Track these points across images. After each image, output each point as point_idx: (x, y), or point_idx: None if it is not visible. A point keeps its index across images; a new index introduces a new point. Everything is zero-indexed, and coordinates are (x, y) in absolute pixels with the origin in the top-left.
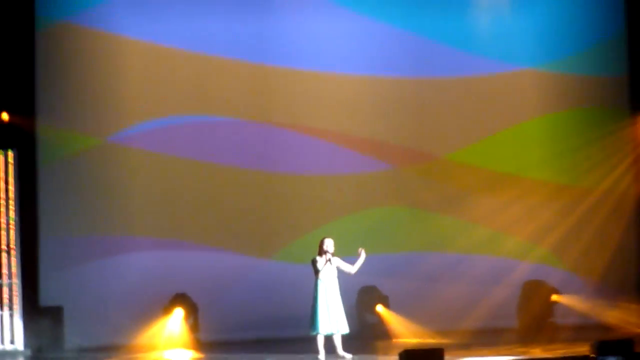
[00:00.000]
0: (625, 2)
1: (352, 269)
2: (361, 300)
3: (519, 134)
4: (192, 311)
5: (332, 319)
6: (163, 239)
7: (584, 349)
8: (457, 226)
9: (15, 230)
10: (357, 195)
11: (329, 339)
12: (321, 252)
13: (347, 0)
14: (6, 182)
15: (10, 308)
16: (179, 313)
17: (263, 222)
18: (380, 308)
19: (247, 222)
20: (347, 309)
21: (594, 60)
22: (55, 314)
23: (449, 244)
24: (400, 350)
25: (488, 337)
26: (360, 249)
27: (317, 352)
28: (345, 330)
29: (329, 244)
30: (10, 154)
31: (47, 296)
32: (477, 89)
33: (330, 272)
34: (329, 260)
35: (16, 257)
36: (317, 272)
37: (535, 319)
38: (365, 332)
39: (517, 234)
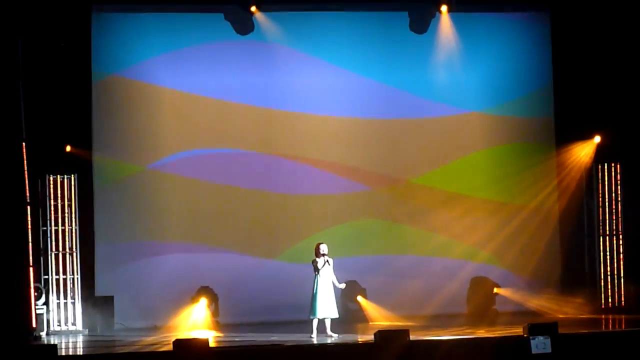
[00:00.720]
0: (551, 57)
1: (335, 281)
2: (344, 292)
3: (468, 163)
4: (214, 300)
5: (326, 306)
6: (191, 244)
7: (518, 330)
8: (419, 234)
9: (76, 237)
10: (342, 210)
11: (321, 322)
12: (318, 254)
13: (333, 58)
14: (70, 200)
15: (72, 297)
16: (203, 302)
17: (269, 231)
18: (359, 298)
19: (257, 231)
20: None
21: (527, 105)
22: (107, 302)
23: (412, 249)
24: (375, 331)
25: (443, 321)
26: (343, 284)
27: (311, 332)
28: (335, 315)
29: (324, 248)
30: (73, 177)
31: (101, 288)
32: (435, 127)
33: (327, 270)
34: (327, 261)
35: (76, 257)
36: (317, 270)
37: (480, 306)
38: (347, 317)
39: (466, 240)
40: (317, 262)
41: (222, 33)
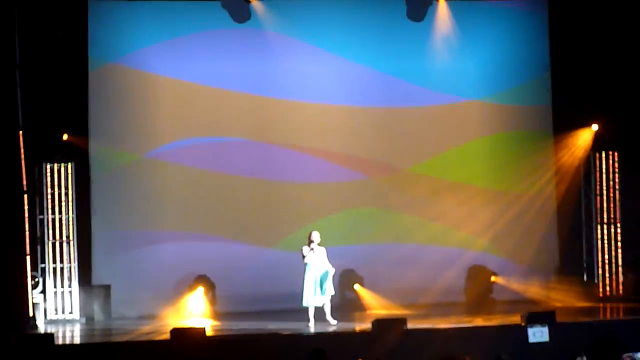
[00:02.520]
0: (549, 45)
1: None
2: (342, 280)
3: (466, 152)
4: (211, 289)
5: (317, 294)
6: (188, 232)
7: (516, 319)
8: (417, 223)
9: (73, 225)
10: (340, 199)
11: (319, 309)
12: (309, 242)
13: (330, 46)
14: (66, 188)
15: (70, 286)
16: (200, 290)
17: (266, 219)
18: (357, 287)
19: (254, 220)
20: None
21: (525, 93)
22: (104, 290)
23: (410, 237)
24: (372, 319)
25: (441, 309)
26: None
27: (308, 320)
28: (320, 303)
29: (315, 236)
30: (70, 166)
31: (98, 276)
32: (432, 116)
33: (317, 257)
34: (312, 249)
35: (73, 246)
36: (304, 257)
37: (479, 295)
38: (345, 306)
39: (464, 229)
40: (303, 251)
41: (219, 21)
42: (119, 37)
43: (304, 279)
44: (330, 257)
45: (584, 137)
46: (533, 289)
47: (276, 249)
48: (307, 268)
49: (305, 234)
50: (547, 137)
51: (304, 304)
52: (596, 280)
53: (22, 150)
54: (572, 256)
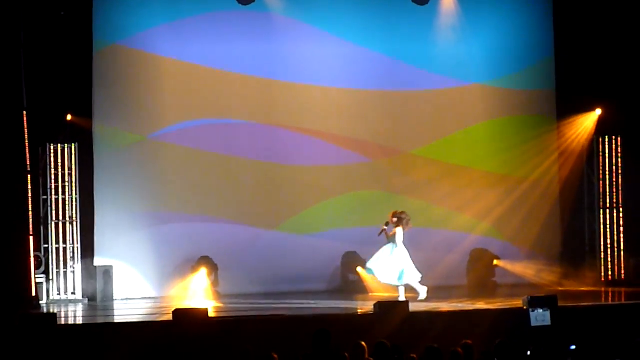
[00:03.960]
0: (553, 29)
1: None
2: (345, 263)
3: (469, 135)
4: (213, 270)
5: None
6: (191, 214)
7: (518, 303)
8: (420, 206)
9: (76, 206)
10: (343, 182)
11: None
12: (403, 223)
13: (335, 29)
14: (70, 169)
15: (72, 267)
16: (202, 271)
17: (269, 201)
18: (360, 269)
19: (257, 201)
20: (334, 270)
21: (529, 77)
22: (106, 271)
23: (413, 220)
24: (375, 302)
25: (444, 292)
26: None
27: (418, 295)
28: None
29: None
30: (73, 146)
31: (101, 257)
32: (436, 99)
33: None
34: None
35: (76, 227)
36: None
37: (481, 278)
38: (348, 288)
39: (466, 212)
40: (396, 232)
41: (223, 3)
42: (123, 17)
43: (402, 258)
44: (334, 240)
45: (588, 121)
46: (535, 273)
47: (280, 231)
48: (403, 247)
49: (308, 216)
50: (551, 121)
51: (408, 281)
52: (598, 265)
53: (25, 131)
54: (575, 240)
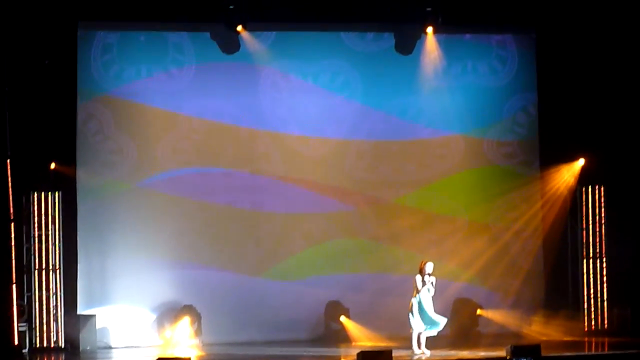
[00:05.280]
0: (536, 79)
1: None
2: (327, 311)
3: (452, 184)
4: (197, 319)
5: (426, 321)
6: (176, 261)
7: (501, 352)
8: (403, 254)
9: (60, 254)
10: (326, 229)
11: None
12: (422, 272)
13: (318, 79)
14: (53, 217)
15: (55, 315)
16: (186, 320)
17: (253, 249)
18: (342, 318)
19: (241, 249)
20: (317, 318)
21: (511, 126)
22: (89, 320)
23: (396, 268)
24: (358, 351)
25: (427, 341)
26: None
27: (418, 346)
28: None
29: (429, 267)
30: (57, 194)
31: (83, 305)
32: (419, 149)
33: (428, 287)
34: (432, 282)
35: (59, 275)
36: (417, 288)
37: (464, 327)
38: (330, 338)
39: (450, 261)
40: (417, 281)
41: (208, 53)
42: (108, 67)
43: (415, 306)
44: (317, 287)
45: (571, 171)
46: (518, 322)
47: (262, 278)
48: (417, 296)
49: (293, 264)
50: (534, 171)
51: (415, 330)
52: (582, 314)
53: (9, 179)
54: (558, 289)
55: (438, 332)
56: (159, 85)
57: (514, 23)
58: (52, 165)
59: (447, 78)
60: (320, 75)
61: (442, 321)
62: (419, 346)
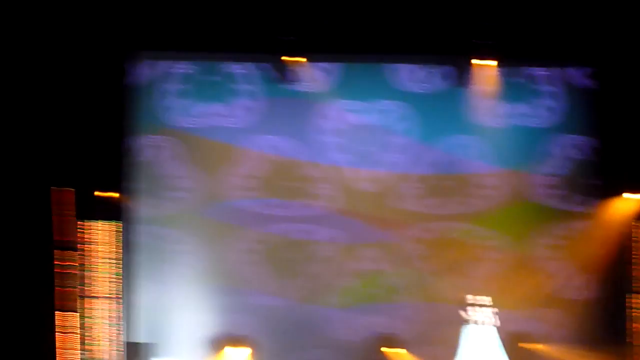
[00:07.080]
0: (589, 118)
1: None
2: (379, 340)
3: (501, 217)
4: (254, 347)
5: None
6: (234, 288)
7: None
8: (453, 285)
9: (120, 283)
10: (379, 259)
11: None
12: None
13: (374, 115)
14: (113, 246)
15: (115, 344)
16: (245, 350)
17: (308, 277)
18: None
19: (296, 278)
20: (368, 347)
21: (562, 163)
22: (150, 349)
23: (446, 298)
24: None
25: None
26: None
27: None
28: None
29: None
30: (118, 224)
31: (144, 335)
32: (469, 183)
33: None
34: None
35: (118, 304)
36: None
37: None
38: None
39: (496, 292)
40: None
41: (267, 85)
42: (174, 99)
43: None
44: (370, 315)
45: (623, 207)
46: (563, 356)
47: (320, 305)
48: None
49: (347, 292)
50: (584, 208)
51: None
52: (627, 350)
53: (74, 207)
54: (604, 324)
55: None
56: (220, 118)
57: (572, 59)
58: (115, 195)
59: (500, 113)
60: (376, 110)
61: None
62: None
